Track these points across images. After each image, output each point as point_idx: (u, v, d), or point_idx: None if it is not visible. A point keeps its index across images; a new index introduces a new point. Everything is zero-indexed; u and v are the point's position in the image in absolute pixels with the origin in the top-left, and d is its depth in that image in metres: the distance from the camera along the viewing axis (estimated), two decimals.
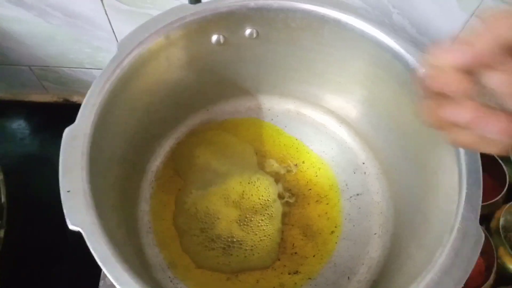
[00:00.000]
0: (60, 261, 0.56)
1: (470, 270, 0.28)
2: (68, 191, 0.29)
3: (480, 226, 0.30)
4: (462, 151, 0.33)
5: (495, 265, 0.43)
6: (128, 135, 0.41)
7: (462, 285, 0.28)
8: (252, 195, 0.47)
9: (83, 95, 0.73)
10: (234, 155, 0.50)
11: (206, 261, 0.44)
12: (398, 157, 0.45)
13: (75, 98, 0.74)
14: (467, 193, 0.31)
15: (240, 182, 0.48)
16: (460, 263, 0.28)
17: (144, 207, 0.46)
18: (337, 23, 0.40)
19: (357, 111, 0.49)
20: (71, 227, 0.28)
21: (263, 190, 0.48)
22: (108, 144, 0.36)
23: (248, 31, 0.43)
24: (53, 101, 0.74)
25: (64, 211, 0.29)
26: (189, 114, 0.52)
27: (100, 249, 0.28)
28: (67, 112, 0.73)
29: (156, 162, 0.49)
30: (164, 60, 0.41)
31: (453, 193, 0.33)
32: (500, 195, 0.46)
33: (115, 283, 0.27)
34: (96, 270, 0.44)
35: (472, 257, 0.29)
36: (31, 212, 0.60)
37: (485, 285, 0.42)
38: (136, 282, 0.27)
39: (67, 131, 0.32)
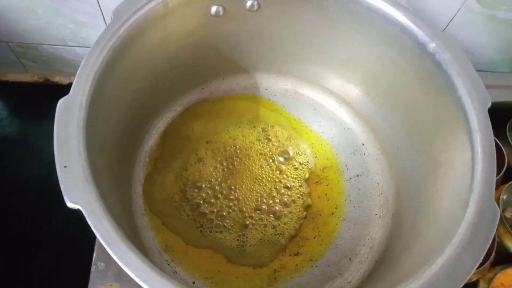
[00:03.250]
0: (44, 247, 0.53)
1: (487, 247, 0.28)
2: (65, 167, 0.27)
3: (495, 201, 0.29)
4: (474, 126, 0.32)
5: (495, 244, 0.43)
6: (122, 111, 0.39)
7: (480, 261, 0.27)
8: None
9: (65, 74, 0.71)
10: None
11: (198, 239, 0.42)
12: (401, 137, 0.44)
13: (56, 78, 0.70)
14: (482, 169, 0.30)
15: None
16: (477, 239, 0.28)
17: (138, 188, 0.44)
18: None
19: (358, 90, 0.47)
20: (70, 205, 0.26)
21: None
22: (102, 118, 0.33)
23: (249, 3, 0.41)
24: (33, 81, 0.70)
25: (61, 187, 0.26)
26: (184, 93, 0.49)
27: (102, 228, 0.25)
28: (48, 92, 0.70)
29: (150, 142, 0.47)
30: (161, 30, 0.38)
31: (465, 170, 0.32)
32: (499, 176, 0.46)
33: (120, 263, 0.25)
34: (86, 254, 0.43)
35: (489, 233, 0.28)
36: (11, 196, 0.57)
37: (485, 265, 0.42)
38: (142, 261, 0.25)
39: (61, 102, 0.29)
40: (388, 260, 0.40)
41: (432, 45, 0.36)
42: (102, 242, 0.25)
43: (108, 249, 0.25)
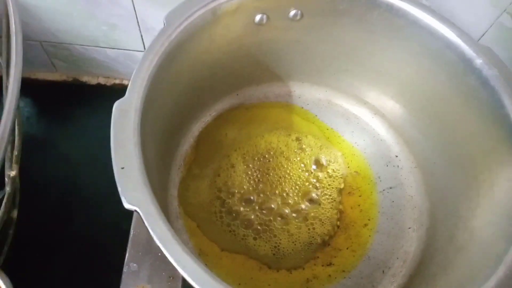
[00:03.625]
0: (68, 248, 0.53)
1: None
2: (122, 168, 0.27)
3: None
4: None
5: None
6: (166, 115, 0.39)
7: None
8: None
9: (93, 75, 0.71)
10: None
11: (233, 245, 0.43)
12: (437, 151, 0.44)
13: (84, 78, 0.71)
14: None
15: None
16: None
17: (173, 191, 0.44)
18: (389, 8, 0.39)
19: (394, 102, 0.48)
20: (127, 206, 0.26)
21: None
22: (150, 122, 0.34)
23: (293, 12, 0.41)
24: (61, 80, 0.71)
25: (119, 189, 0.26)
26: (219, 98, 0.50)
27: (159, 230, 0.26)
28: (75, 92, 0.71)
29: (185, 146, 0.47)
30: (207, 37, 0.39)
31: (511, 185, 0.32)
32: None
33: (176, 265, 0.25)
34: (118, 255, 0.43)
35: None
36: (35, 196, 0.57)
37: None
38: (198, 265, 0.25)
39: (117, 104, 0.30)
40: (424, 275, 0.40)
41: (479, 61, 0.36)
42: (159, 244, 0.25)
43: (164, 251, 0.25)
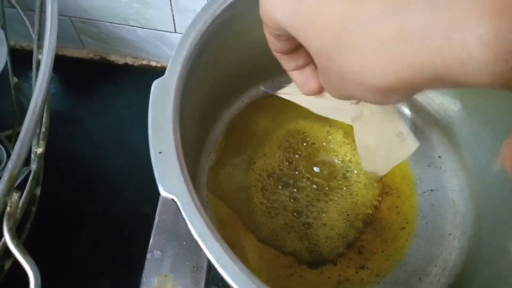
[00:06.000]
0: (88, 229, 0.52)
1: None
2: (160, 152, 0.25)
3: None
4: None
5: None
6: (201, 99, 0.37)
7: None
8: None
9: (122, 54, 0.70)
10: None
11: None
12: (489, 154, 0.41)
13: (112, 57, 0.69)
14: None
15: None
16: None
17: (202, 179, 0.42)
18: None
19: (443, 98, 0.44)
20: (164, 194, 0.24)
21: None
22: (187, 105, 0.32)
23: None
24: (89, 57, 0.69)
25: (156, 175, 0.24)
26: (254, 85, 0.47)
27: (197, 222, 0.24)
28: (102, 71, 0.69)
29: (216, 133, 0.45)
30: (251, 16, 0.36)
31: None
32: None
33: (216, 264, 0.23)
34: (139, 239, 0.41)
35: None
36: (58, 173, 0.56)
37: None
38: (237, 265, 0.23)
39: (156, 84, 0.27)
40: (465, 286, 0.37)
41: None
42: (198, 240, 0.23)
43: (204, 248, 0.23)
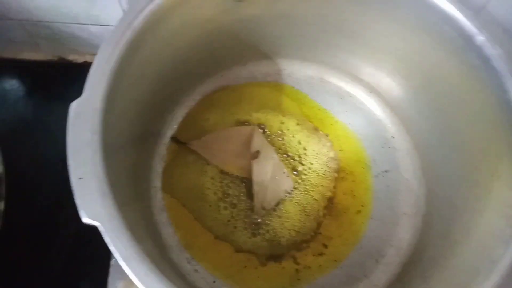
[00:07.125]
0: (59, 236, 0.52)
1: None
2: (80, 178, 0.25)
3: None
4: None
5: None
6: (138, 106, 0.37)
7: None
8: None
9: (80, 53, 0.68)
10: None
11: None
12: (436, 132, 0.41)
13: (70, 57, 0.68)
14: None
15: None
16: None
17: (156, 183, 0.42)
18: None
19: (390, 79, 0.44)
20: (86, 221, 0.24)
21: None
22: (117, 119, 0.31)
23: None
24: (47, 59, 0.68)
25: (77, 202, 0.25)
26: (202, 81, 0.47)
27: (121, 246, 0.24)
28: (62, 71, 0.68)
29: (168, 134, 0.45)
30: (178, 19, 0.35)
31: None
32: None
33: (140, 286, 0.23)
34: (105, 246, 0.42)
35: None
36: (24, 179, 0.56)
37: None
38: (164, 284, 0.24)
39: (74, 106, 0.27)
40: (417, 267, 0.38)
41: (480, 38, 0.32)
42: (122, 263, 0.23)
43: (129, 272, 0.23)
